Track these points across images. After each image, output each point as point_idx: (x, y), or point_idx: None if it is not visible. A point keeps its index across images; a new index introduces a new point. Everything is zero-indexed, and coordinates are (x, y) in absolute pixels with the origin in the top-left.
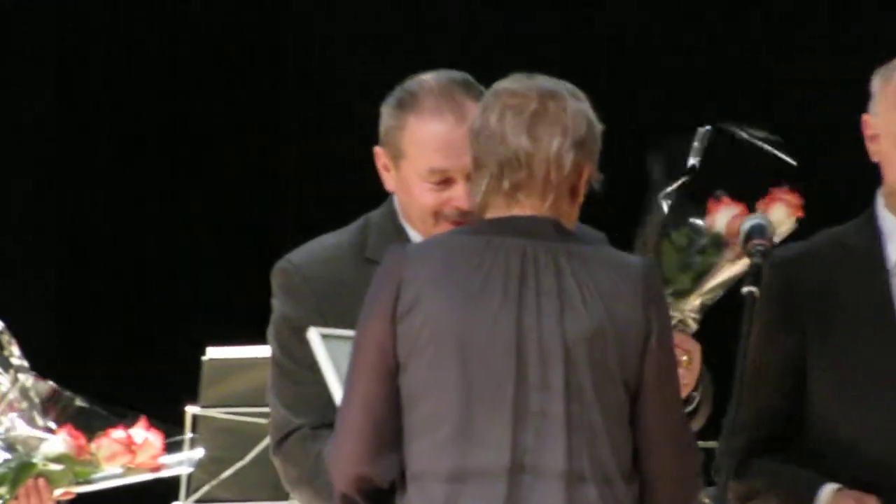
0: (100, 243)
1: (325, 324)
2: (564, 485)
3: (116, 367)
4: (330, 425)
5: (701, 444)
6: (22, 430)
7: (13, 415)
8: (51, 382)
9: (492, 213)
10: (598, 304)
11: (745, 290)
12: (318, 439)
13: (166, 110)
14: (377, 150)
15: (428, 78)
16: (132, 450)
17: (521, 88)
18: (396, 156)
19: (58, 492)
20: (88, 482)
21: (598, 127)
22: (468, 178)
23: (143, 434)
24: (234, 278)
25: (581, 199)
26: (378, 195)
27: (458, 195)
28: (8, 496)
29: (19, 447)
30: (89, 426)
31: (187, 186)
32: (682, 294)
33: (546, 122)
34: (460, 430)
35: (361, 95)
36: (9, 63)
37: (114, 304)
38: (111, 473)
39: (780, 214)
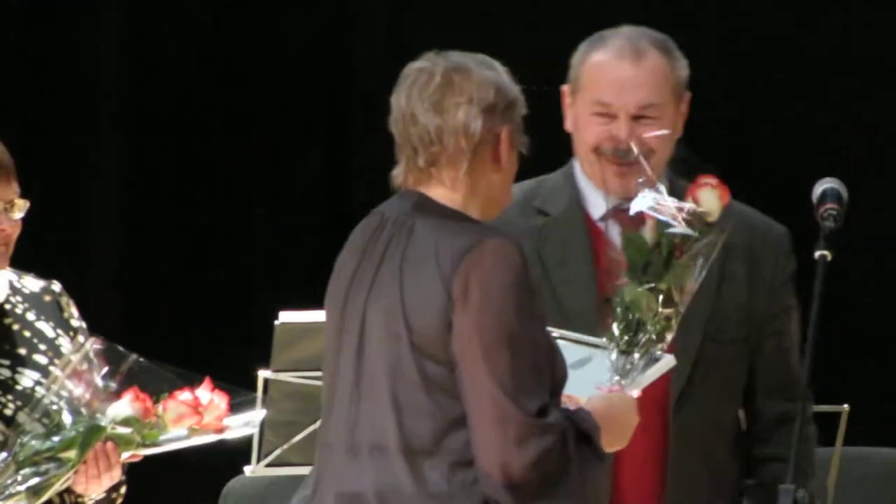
0: (169, 207)
1: None
2: (348, 459)
3: (188, 334)
4: None
5: None
6: (86, 393)
7: (77, 378)
8: (114, 344)
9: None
10: (400, 278)
11: (818, 253)
12: None
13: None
14: (563, 88)
15: (624, 27)
16: (199, 411)
17: (426, 66)
18: (574, 89)
19: (125, 455)
20: (155, 444)
21: (513, 92)
22: (636, 117)
23: (209, 395)
24: (305, 245)
25: (507, 164)
26: None
27: (616, 132)
28: (77, 460)
29: (84, 410)
30: (153, 388)
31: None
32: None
33: (451, 93)
34: (327, 405)
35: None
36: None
37: (184, 270)
38: (177, 435)
39: (711, 201)
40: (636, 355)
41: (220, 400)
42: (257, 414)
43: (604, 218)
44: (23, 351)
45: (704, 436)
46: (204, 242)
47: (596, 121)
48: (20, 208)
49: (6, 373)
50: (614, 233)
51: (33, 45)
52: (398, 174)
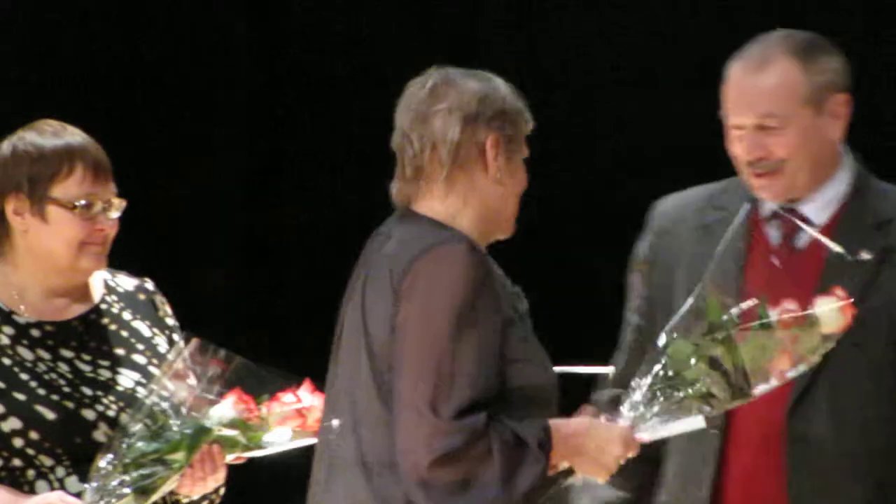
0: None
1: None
2: (326, 475)
3: (293, 336)
4: None
5: None
6: (188, 394)
7: (178, 379)
8: (213, 345)
9: (412, 205)
10: (363, 287)
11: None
12: None
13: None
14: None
15: (774, 32)
16: (302, 413)
17: (419, 80)
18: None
19: (230, 457)
20: (259, 447)
21: (503, 102)
22: (759, 127)
23: (310, 397)
24: None
25: (501, 174)
26: None
27: (745, 146)
28: (185, 462)
29: (187, 412)
30: (252, 390)
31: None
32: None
33: (433, 103)
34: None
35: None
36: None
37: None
38: (280, 438)
39: (831, 316)
40: (655, 408)
41: (320, 402)
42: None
43: (769, 218)
44: (121, 351)
45: (826, 440)
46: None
47: (734, 133)
48: (117, 208)
49: (107, 374)
50: (773, 233)
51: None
52: (392, 189)
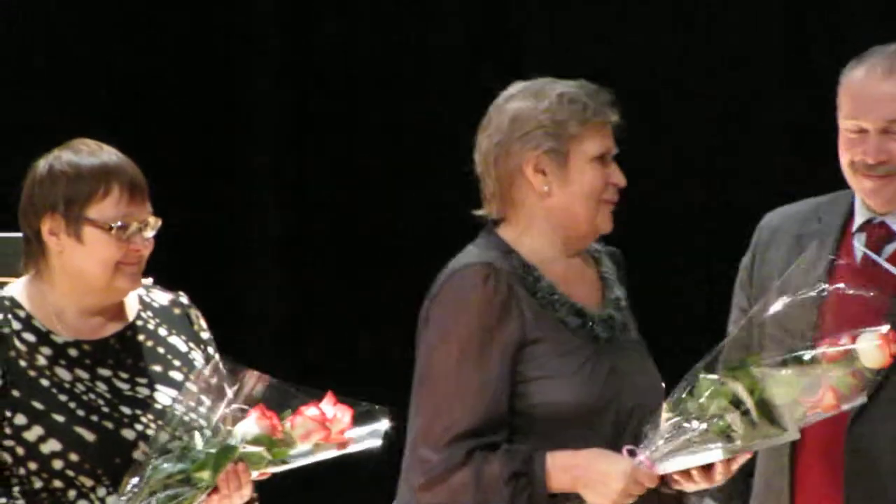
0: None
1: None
2: None
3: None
4: None
5: None
6: (222, 406)
7: (210, 392)
8: (237, 363)
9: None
10: None
11: None
12: None
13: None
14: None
15: (892, 44)
16: (326, 426)
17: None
18: (838, 112)
19: (255, 473)
20: (284, 462)
21: (533, 120)
22: (884, 131)
23: (332, 409)
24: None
25: (543, 186)
26: None
27: (865, 147)
28: (211, 481)
29: (220, 426)
30: (276, 405)
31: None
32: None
33: (483, 129)
34: None
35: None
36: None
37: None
38: (303, 451)
39: (871, 354)
40: (673, 442)
41: (343, 413)
42: (382, 424)
43: (859, 229)
44: (158, 368)
45: (884, 454)
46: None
47: (849, 137)
48: (153, 227)
49: (145, 391)
50: (858, 244)
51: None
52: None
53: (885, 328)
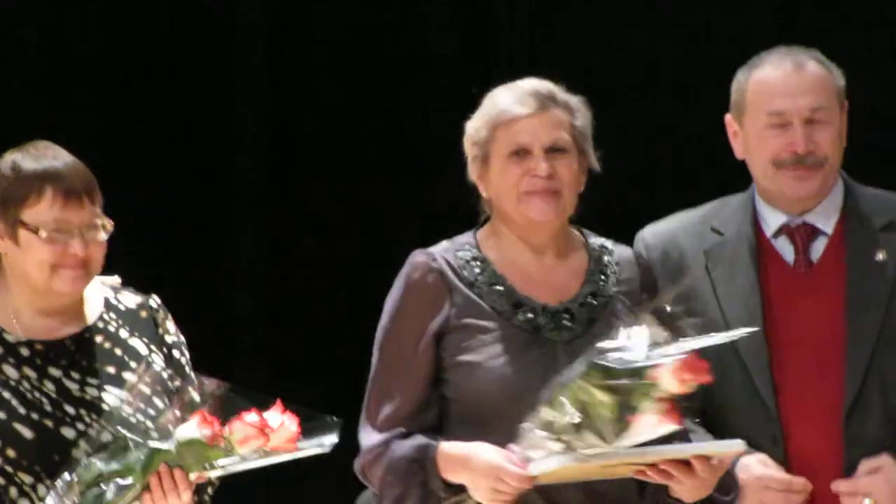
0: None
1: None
2: None
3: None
4: None
5: None
6: (163, 412)
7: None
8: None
9: None
10: None
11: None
12: None
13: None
14: (727, 118)
15: (776, 48)
16: (265, 433)
17: None
18: (740, 113)
19: (192, 476)
20: (219, 467)
21: (469, 131)
22: (809, 121)
23: (279, 417)
24: None
25: (485, 195)
26: None
27: (793, 139)
28: (138, 483)
29: (166, 427)
30: (229, 410)
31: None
32: (601, 422)
33: None
34: None
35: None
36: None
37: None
38: (245, 457)
39: (670, 383)
40: (538, 443)
41: (290, 422)
42: (332, 436)
43: (776, 234)
44: (112, 370)
45: (881, 438)
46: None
47: (771, 133)
48: (103, 230)
49: (94, 392)
50: (784, 247)
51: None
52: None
53: (688, 357)
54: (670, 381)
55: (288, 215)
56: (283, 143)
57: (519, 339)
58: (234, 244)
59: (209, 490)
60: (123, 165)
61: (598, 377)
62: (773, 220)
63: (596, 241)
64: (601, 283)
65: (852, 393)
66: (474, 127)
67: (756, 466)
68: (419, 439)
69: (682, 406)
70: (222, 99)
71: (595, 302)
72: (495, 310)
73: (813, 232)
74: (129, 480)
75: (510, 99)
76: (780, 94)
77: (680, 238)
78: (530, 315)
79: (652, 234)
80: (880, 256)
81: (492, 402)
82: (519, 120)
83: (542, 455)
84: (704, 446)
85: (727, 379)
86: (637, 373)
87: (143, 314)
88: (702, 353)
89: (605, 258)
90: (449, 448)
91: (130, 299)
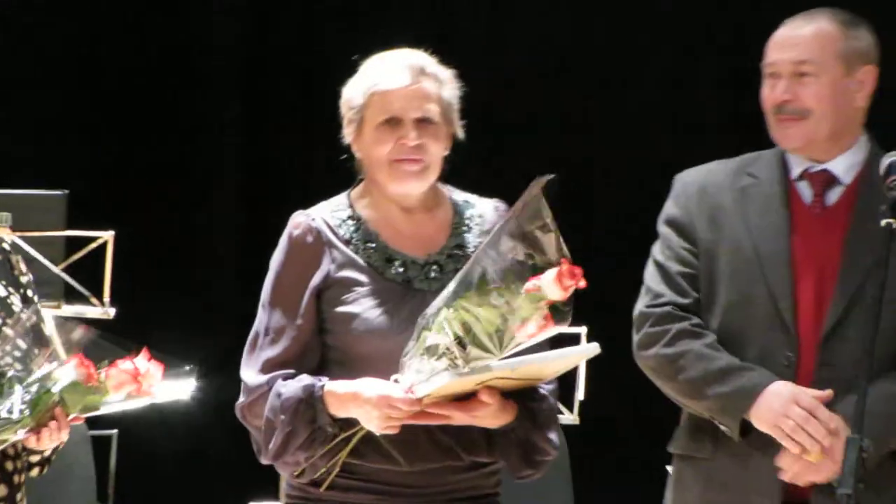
0: None
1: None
2: None
3: None
4: None
5: None
6: (38, 351)
7: (27, 336)
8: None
9: None
10: None
11: (884, 222)
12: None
13: None
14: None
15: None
16: (138, 380)
17: None
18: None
19: (71, 415)
20: (96, 408)
21: (343, 97)
22: (795, 74)
23: (146, 365)
24: None
25: (359, 157)
26: None
27: (779, 87)
28: (27, 419)
29: (34, 368)
30: (95, 355)
31: None
32: (488, 337)
33: None
34: None
35: None
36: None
37: None
38: (115, 399)
39: (552, 289)
40: (421, 366)
41: (156, 370)
42: (190, 383)
43: (799, 178)
44: None
45: (847, 367)
46: None
47: (768, 83)
48: None
49: None
50: (804, 189)
51: None
52: None
53: (564, 265)
54: (553, 289)
55: None
56: None
57: (392, 290)
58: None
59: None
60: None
61: (478, 297)
62: (797, 165)
63: (460, 196)
64: (466, 234)
65: (832, 321)
66: (351, 92)
67: (787, 388)
68: (305, 380)
69: (559, 312)
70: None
71: (461, 253)
72: (370, 264)
73: (831, 179)
74: (14, 415)
75: (385, 70)
76: (775, 45)
77: (719, 177)
78: (401, 269)
79: (691, 173)
80: (883, 210)
81: (368, 348)
82: (392, 91)
83: (424, 378)
84: (564, 352)
85: (751, 303)
86: (512, 287)
87: None
88: (730, 279)
89: (468, 212)
90: (335, 386)
91: None
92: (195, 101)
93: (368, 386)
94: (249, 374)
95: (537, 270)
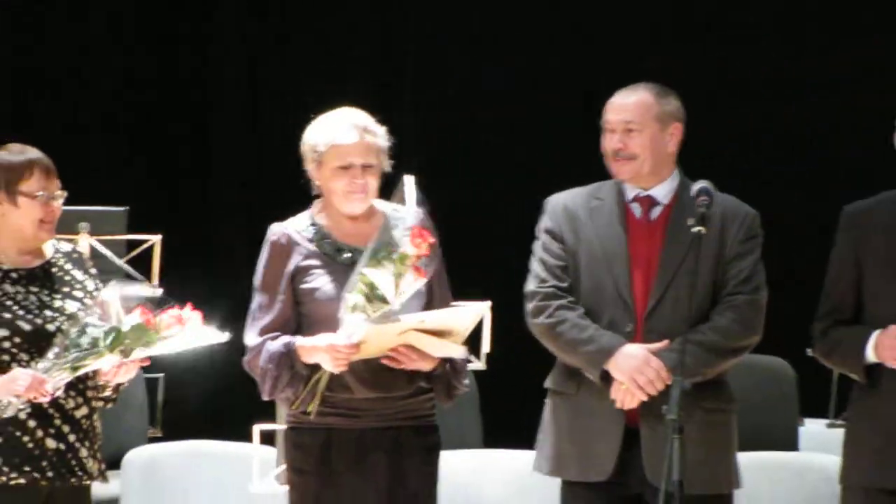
0: None
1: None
2: None
3: None
4: None
5: None
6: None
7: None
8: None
9: None
10: None
11: (694, 229)
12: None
13: None
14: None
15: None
16: (182, 322)
17: None
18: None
19: (136, 353)
20: (153, 344)
21: (304, 140)
22: (624, 130)
23: (189, 313)
24: None
25: (317, 185)
26: None
27: (615, 139)
28: (105, 353)
29: (110, 320)
30: (155, 308)
31: None
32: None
33: None
34: None
35: None
36: None
37: None
38: (169, 336)
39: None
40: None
41: (196, 316)
42: (224, 335)
43: (632, 200)
44: (67, 289)
45: (667, 335)
46: None
47: (607, 136)
48: (61, 197)
49: (59, 303)
50: (636, 208)
51: None
52: None
53: (415, 229)
54: (412, 247)
55: None
56: None
57: (341, 271)
58: None
59: (123, 386)
60: None
61: (372, 264)
62: (629, 191)
63: (387, 205)
64: (393, 231)
65: (654, 301)
66: (313, 140)
67: (639, 350)
68: (284, 339)
69: (423, 264)
70: None
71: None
72: (325, 254)
73: (654, 201)
74: (94, 349)
75: (341, 128)
76: (611, 110)
77: (576, 200)
78: (347, 255)
79: (557, 197)
80: (690, 222)
81: (326, 311)
82: (346, 145)
83: (355, 327)
84: (459, 309)
85: (602, 288)
86: (386, 251)
87: (75, 255)
88: (587, 271)
89: (394, 215)
90: (303, 341)
91: (66, 245)
92: None
93: (322, 338)
94: (249, 337)
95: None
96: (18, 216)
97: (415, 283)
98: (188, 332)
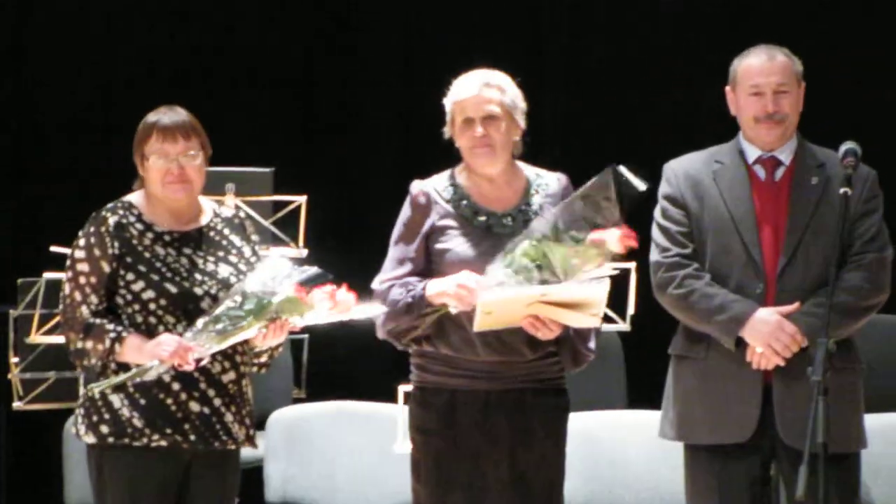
0: None
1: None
2: None
3: None
4: None
5: None
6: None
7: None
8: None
9: None
10: None
11: (841, 190)
12: None
13: None
14: (726, 89)
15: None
16: (333, 298)
17: None
18: (734, 86)
19: (292, 321)
20: (304, 313)
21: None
22: (776, 92)
23: (343, 292)
24: None
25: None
26: None
27: (768, 102)
28: (250, 319)
29: (265, 288)
30: (310, 284)
31: None
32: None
33: None
34: None
35: None
36: None
37: None
38: (320, 309)
39: (614, 243)
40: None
41: (349, 296)
42: (377, 309)
43: (754, 162)
44: (221, 253)
45: (798, 294)
46: None
47: (752, 99)
48: (189, 158)
49: (211, 266)
50: (759, 170)
51: None
52: None
53: (625, 229)
54: (615, 244)
55: None
56: None
57: (476, 233)
58: None
59: (279, 349)
60: None
61: (554, 237)
62: (751, 153)
63: (532, 170)
64: (533, 197)
65: (784, 261)
66: (448, 101)
67: (772, 316)
68: (411, 280)
69: (613, 259)
70: None
71: (528, 209)
72: (462, 216)
73: (777, 162)
74: (244, 320)
75: (464, 84)
76: (759, 72)
77: (696, 165)
78: (483, 218)
79: (676, 162)
80: (814, 181)
81: (455, 272)
82: (465, 99)
83: (493, 292)
84: (583, 281)
85: (730, 251)
86: (579, 235)
87: (236, 221)
88: (713, 235)
89: (537, 181)
90: (435, 282)
91: (227, 211)
92: None
93: (453, 276)
94: (383, 276)
95: (597, 227)
96: (149, 178)
97: (596, 272)
98: (340, 309)
